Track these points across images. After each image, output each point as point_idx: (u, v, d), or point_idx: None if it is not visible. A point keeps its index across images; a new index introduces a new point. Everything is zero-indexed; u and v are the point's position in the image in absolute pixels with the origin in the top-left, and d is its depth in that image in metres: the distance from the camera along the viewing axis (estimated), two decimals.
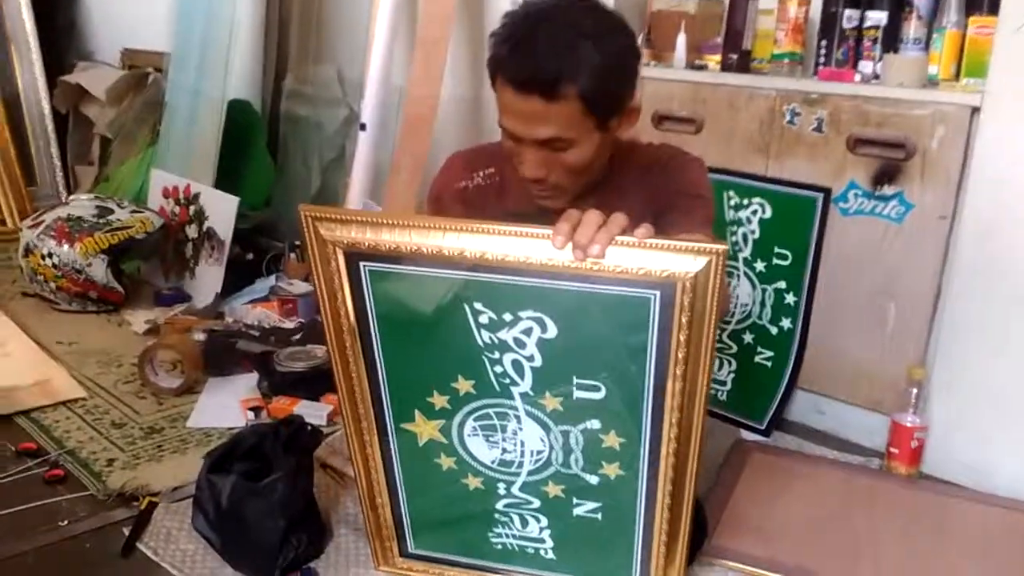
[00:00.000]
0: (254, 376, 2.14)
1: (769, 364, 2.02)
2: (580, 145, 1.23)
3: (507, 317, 1.08)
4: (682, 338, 1.02)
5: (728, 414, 2.07)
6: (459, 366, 1.15)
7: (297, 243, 2.75)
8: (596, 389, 1.11)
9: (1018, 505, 1.73)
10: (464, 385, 1.16)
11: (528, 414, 1.16)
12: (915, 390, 1.82)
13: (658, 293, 1.01)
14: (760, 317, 2.01)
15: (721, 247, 0.97)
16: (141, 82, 3.40)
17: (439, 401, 1.18)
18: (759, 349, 2.03)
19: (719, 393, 2.10)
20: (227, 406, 2.01)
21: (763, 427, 2.01)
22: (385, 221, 1.06)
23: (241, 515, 1.43)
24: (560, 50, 1.16)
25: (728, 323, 2.05)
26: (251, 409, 1.95)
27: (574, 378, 1.11)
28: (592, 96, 1.18)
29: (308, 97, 3.01)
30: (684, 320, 1.01)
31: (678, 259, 0.98)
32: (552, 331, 1.07)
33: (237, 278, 2.65)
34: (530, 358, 1.10)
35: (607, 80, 1.20)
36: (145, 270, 2.90)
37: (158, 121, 3.16)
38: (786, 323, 1.97)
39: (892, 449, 1.85)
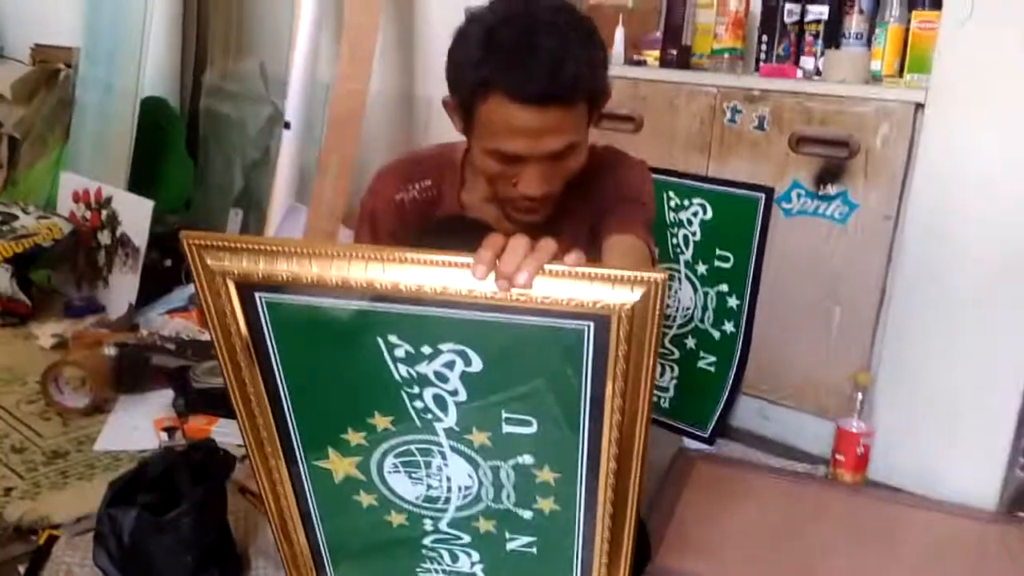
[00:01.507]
0: (169, 393, 2.00)
1: (712, 369, 1.96)
2: (582, 148, 1.20)
3: (426, 350, 0.97)
4: (619, 371, 0.93)
5: (671, 421, 2.00)
6: (375, 402, 1.03)
7: None
8: (527, 424, 1.01)
9: (966, 512, 1.70)
10: (381, 421, 1.05)
11: (453, 449, 1.06)
12: (860, 395, 1.78)
13: (592, 324, 0.90)
14: (702, 321, 1.95)
15: (660, 276, 0.87)
16: (52, 79, 3.21)
17: (354, 438, 1.07)
18: (702, 354, 1.97)
19: (661, 400, 2.03)
20: (139, 427, 1.88)
21: (707, 435, 1.96)
22: (280, 249, 0.93)
23: (145, 551, 1.31)
24: (564, 54, 1.10)
25: (670, 328, 1.98)
26: (165, 430, 1.82)
27: (503, 413, 1.01)
28: (594, 94, 1.16)
29: (230, 94, 2.87)
30: (621, 353, 0.92)
31: (613, 290, 0.89)
32: (477, 364, 0.97)
33: (154, 286, 2.50)
34: (453, 392, 1.00)
35: (603, 75, 1.18)
36: (55, 279, 2.72)
37: (70, 121, 2.98)
38: (729, 327, 1.91)
39: (838, 456, 1.80)
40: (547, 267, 0.89)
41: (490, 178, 1.23)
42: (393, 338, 0.96)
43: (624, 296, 0.88)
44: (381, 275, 0.91)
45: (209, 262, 0.94)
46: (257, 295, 0.96)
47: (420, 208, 1.37)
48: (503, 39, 1.12)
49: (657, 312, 0.88)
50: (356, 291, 0.93)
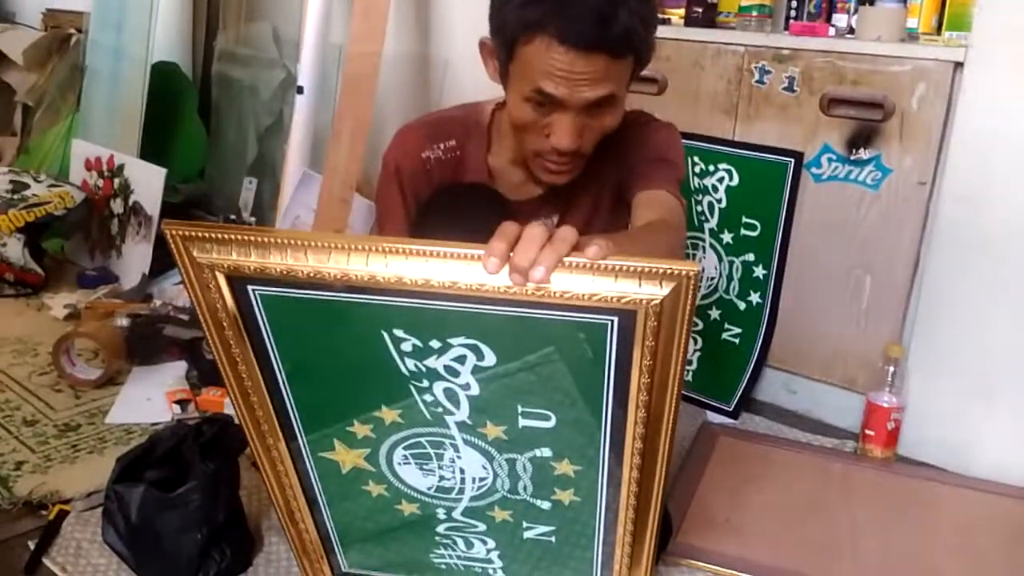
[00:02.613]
0: (182, 365, 1.98)
1: (737, 341, 1.90)
2: (619, 105, 1.18)
3: (435, 344, 0.90)
4: (644, 367, 0.86)
5: (694, 395, 1.95)
6: (381, 395, 0.97)
7: (232, 216, 2.57)
8: (545, 418, 0.95)
9: (999, 488, 1.64)
10: (389, 415, 0.99)
11: (466, 442, 1.00)
12: (892, 368, 1.72)
13: (616, 319, 0.83)
14: (727, 291, 1.89)
15: (692, 269, 0.79)
16: (63, 45, 3.16)
17: (361, 430, 1.01)
18: (726, 325, 1.92)
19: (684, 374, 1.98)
20: (151, 399, 1.84)
21: (731, 408, 1.90)
22: (273, 240, 0.86)
23: (154, 529, 1.29)
24: (619, 4, 1.07)
25: None
26: (177, 402, 1.80)
27: (519, 407, 0.95)
28: (642, 50, 1.14)
29: (242, 58, 2.81)
30: (648, 348, 0.85)
31: (640, 286, 0.81)
32: (490, 359, 0.90)
33: (168, 257, 2.45)
34: (465, 387, 0.93)
35: (652, 33, 1.16)
36: (69, 249, 2.70)
37: (81, 87, 2.94)
38: (755, 297, 1.85)
39: (867, 431, 1.75)
40: (567, 260, 0.81)
41: (522, 127, 1.19)
42: (399, 332, 0.90)
43: (652, 291, 0.81)
44: (383, 269, 0.84)
45: (196, 255, 0.87)
46: (250, 288, 0.90)
47: (444, 169, 1.33)
48: None
49: (688, 307, 0.81)
50: (356, 285, 0.87)
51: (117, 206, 2.52)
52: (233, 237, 0.86)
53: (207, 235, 0.86)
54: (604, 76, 1.11)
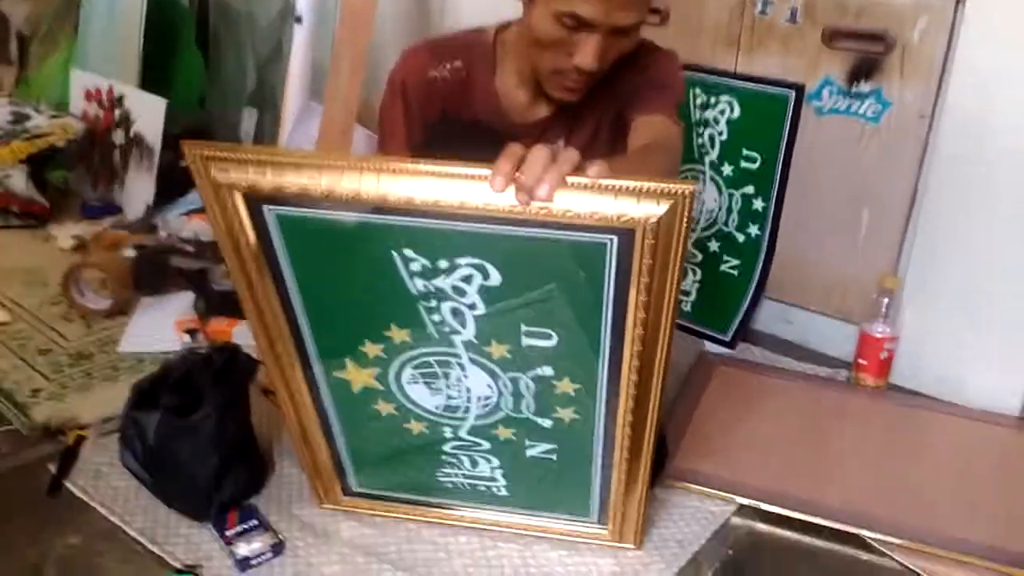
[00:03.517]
0: (189, 295, 2.00)
1: (736, 273, 1.93)
2: (639, 31, 1.22)
3: (443, 264, 0.94)
4: (642, 284, 0.90)
5: (692, 325, 1.99)
6: (391, 315, 1.01)
7: None
8: (547, 337, 0.99)
9: (989, 417, 1.69)
10: (399, 334, 1.03)
11: (473, 361, 1.05)
12: (886, 299, 1.75)
13: (615, 238, 0.88)
14: (727, 224, 1.91)
15: (688, 188, 0.83)
16: None
17: (372, 350, 1.06)
18: (725, 257, 1.94)
19: (683, 304, 2.01)
20: (161, 328, 1.88)
21: (728, 338, 1.94)
22: (289, 160, 0.89)
23: (170, 453, 1.33)
24: None
25: (693, 231, 1.95)
26: (186, 331, 1.83)
27: (522, 326, 0.99)
28: None
29: None
30: (645, 266, 0.89)
31: (638, 204, 0.85)
32: (495, 278, 0.94)
33: (171, 188, 2.46)
34: (472, 306, 0.98)
35: None
36: (73, 180, 2.70)
37: (78, 16, 2.90)
38: (754, 230, 1.87)
39: (861, 360, 1.79)
40: (569, 179, 0.85)
41: (547, 44, 1.20)
42: (408, 252, 0.94)
43: (650, 209, 0.85)
44: (394, 188, 0.88)
45: (215, 174, 0.91)
46: (266, 208, 0.93)
47: (450, 89, 1.35)
48: None
49: (684, 225, 0.85)
50: (368, 205, 0.90)
51: (118, 137, 2.52)
52: (251, 158, 0.90)
53: (226, 155, 0.90)
54: (636, 2, 1.15)
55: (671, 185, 0.83)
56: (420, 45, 1.40)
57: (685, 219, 0.85)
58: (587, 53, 1.16)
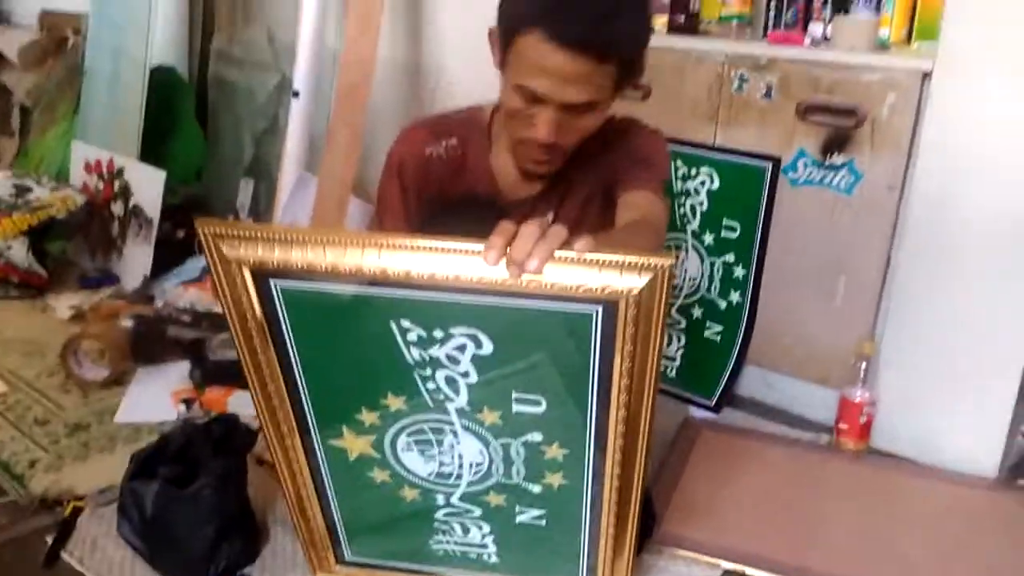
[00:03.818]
0: (186, 365, 2.03)
1: (718, 339, 1.98)
2: (600, 110, 1.23)
3: (438, 334, 1.00)
4: (626, 352, 0.96)
5: (677, 390, 2.03)
6: (388, 383, 1.07)
7: (230, 218, 2.63)
8: (537, 403, 1.04)
9: (967, 480, 1.73)
10: (395, 402, 1.08)
11: (465, 428, 1.09)
12: (864, 364, 1.80)
13: (600, 309, 0.93)
14: (709, 291, 1.97)
15: (667, 261, 0.89)
16: (60, 46, 3.20)
17: (368, 418, 1.11)
18: (708, 324, 1.99)
19: (668, 369, 2.06)
20: (157, 398, 1.91)
21: (712, 403, 1.98)
22: (295, 237, 0.96)
23: (168, 523, 1.35)
24: (616, 11, 1.13)
25: (676, 298, 2.00)
26: (183, 401, 1.86)
27: (513, 393, 1.04)
28: (629, 61, 1.18)
29: (237, 60, 2.86)
30: (628, 335, 0.95)
31: (621, 276, 0.91)
32: (488, 348, 1.00)
33: (168, 258, 2.52)
34: (465, 374, 1.03)
35: (643, 46, 1.21)
36: (71, 250, 2.75)
37: (80, 89, 2.98)
38: (735, 296, 1.92)
39: (841, 425, 1.83)
40: (557, 253, 0.91)
41: (511, 115, 1.25)
42: (406, 323, 0.99)
43: (632, 282, 0.91)
44: (394, 262, 0.94)
45: (225, 251, 0.97)
46: (272, 282, 0.99)
47: (446, 167, 1.39)
48: None
49: (664, 296, 0.91)
50: (369, 278, 0.95)
51: (118, 208, 2.58)
52: (258, 235, 0.96)
53: (236, 233, 0.96)
54: (588, 80, 1.16)
55: (651, 259, 0.90)
56: (418, 123, 1.45)
57: (665, 290, 0.91)
58: (540, 126, 1.21)
